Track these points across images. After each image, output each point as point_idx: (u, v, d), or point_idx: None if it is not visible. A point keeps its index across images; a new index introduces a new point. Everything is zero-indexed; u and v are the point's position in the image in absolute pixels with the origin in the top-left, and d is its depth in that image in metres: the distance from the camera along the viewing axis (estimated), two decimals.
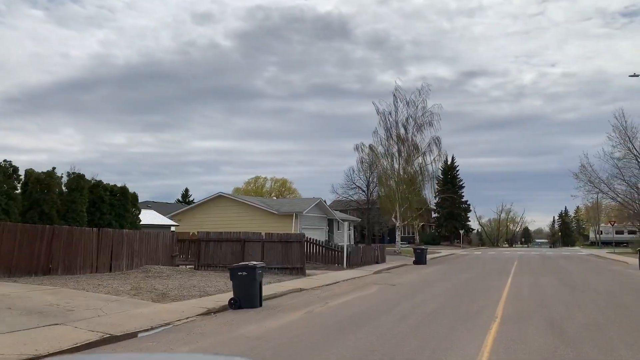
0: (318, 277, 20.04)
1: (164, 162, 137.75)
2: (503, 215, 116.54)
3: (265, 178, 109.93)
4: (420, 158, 41.73)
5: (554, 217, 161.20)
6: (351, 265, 26.05)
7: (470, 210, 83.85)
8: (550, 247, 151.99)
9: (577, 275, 23.26)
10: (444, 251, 55.31)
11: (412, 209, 42.81)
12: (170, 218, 38.39)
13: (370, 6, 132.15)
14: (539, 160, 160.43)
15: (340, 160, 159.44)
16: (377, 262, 30.21)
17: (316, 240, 27.05)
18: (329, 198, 74.25)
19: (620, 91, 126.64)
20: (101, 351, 7.85)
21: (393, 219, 42.69)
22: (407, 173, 41.54)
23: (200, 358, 3.22)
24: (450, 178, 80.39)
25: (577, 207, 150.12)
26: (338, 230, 48.32)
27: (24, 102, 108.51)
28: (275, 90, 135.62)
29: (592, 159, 53.94)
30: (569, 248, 76.06)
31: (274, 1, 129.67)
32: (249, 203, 35.88)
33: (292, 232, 34.38)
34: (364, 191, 60.11)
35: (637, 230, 62.03)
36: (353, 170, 50.33)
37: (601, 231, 71.71)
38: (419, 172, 41.75)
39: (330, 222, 46.13)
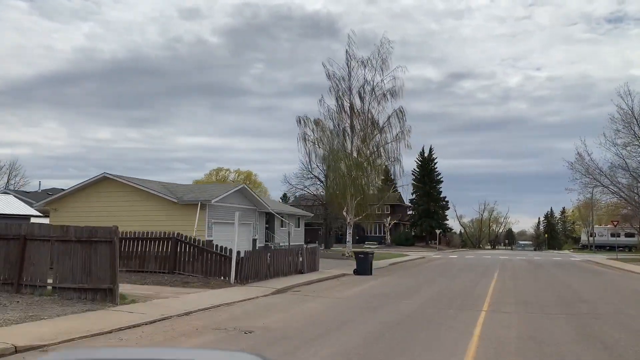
0: (133, 311, 10.90)
1: (148, 157, 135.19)
2: (486, 214, 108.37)
3: (228, 170, 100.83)
4: (378, 135, 32.74)
5: (539, 218, 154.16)
6: (246, 278, 16.94)
7: (448, 208, 75.41)
8: (535, 249, 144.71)
9: (598, 307, 13.98)
10: (413, 254, 46.50)
11: (367, 201, 33.68)
12: (41, 207, 28.93)
13: (358, 5, 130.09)
14: (523, 162, 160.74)
15: None
16: (300, 272, 21.16)
17: (190, 238, 17.88)
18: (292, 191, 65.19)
19: (604, 96, 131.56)
20: None
21: (344, 213, 33.62)
22: (363, 155, 32.48)
23: (203, 353, 2.92)
24: (427, 172, 71.68)
25: (564, 208, 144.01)
26: (282, 227, 39.23)
27: (5, 94, 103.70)
28: (262, 88, 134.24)
29: (591, 146, 45.42)
30: (558, 252, 67.75)
31: None
32: (143, 188, 26.63)
33: (196, 227, 25.15)
34: (321, 182, 50.91)
35: (636, 232, 53.82)
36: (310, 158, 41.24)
37: (594, 233, 63.51)
38: (377, 153, 32.72)
39: (271, 217, 37.04)
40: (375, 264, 26.47)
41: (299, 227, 42.52)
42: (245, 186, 30.11)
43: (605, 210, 54.65)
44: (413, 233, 76.59)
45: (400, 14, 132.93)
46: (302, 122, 32.48)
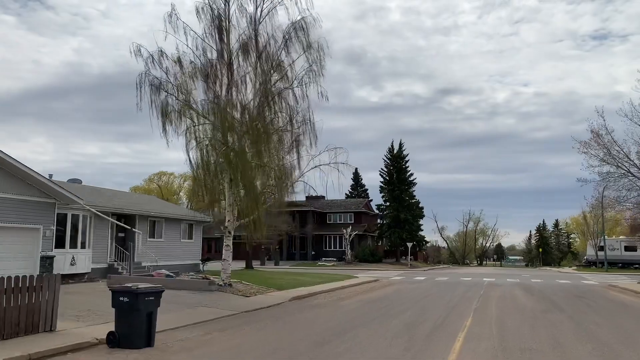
0: None
1: (139, 172, 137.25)
2: (471, 225, 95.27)
3: (172, 174, 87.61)
4: (279, 84, 19.45)
5: (530, 231, 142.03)
6: None
7: (423, 216, 62.30)
8: (527, 265, 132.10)
9: None
10: (366, 276, 33.54)
11: (261, 195, 20.04)
12: None
13: (347, 22, 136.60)
14: (512, 177, 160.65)
15: (315, 174, 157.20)
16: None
17: None
18: None
19: (590, 112, 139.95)
20: None
21: (224, 212, 20.12)
22: (253, 116, 19.07)
23: None
24: (396, 171, 58.63)
25: (557, 221, 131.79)
26: (156, 238, 25.96)
27: None
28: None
29: (612, 119, 33.01)
30: (558, 270, 54.46)
31: None
32: None
33: None
34: None
35: None
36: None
37: (604, 246, 50.60)
38: (274, 108, 19.31)
39: (130, 221, 23.86)
40: (269, 297, 16.79)
41: (190, 237, 29.11)
42: (30, 171, 16.59)
43: (620, 215, 41.71)
44: (386, 247, 63.52)
45: (388, 31, 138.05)
46: (149, 61, 19.01)
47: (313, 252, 59.63)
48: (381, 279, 31.51)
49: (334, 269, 48.19)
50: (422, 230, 74.76)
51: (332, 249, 59.24)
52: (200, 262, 29.01)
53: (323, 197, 67.27)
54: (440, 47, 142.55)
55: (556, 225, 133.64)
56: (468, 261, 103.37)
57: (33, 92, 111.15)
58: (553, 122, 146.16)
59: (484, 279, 32.45)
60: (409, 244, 54.23)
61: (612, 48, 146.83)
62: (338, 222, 60.51)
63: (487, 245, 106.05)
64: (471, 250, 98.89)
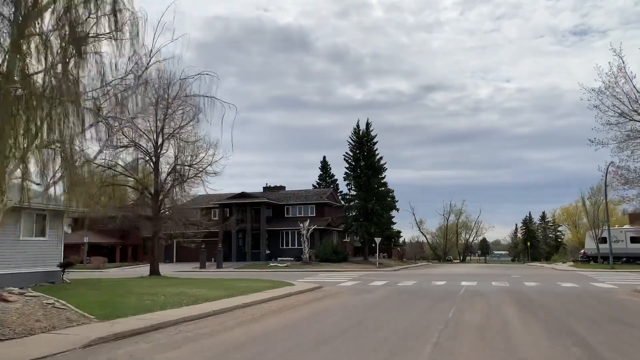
0: None
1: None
2: (452, 218, 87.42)
3: None
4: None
5: (516, 225, 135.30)
6: None
7: (396, 208, 54.16)
8: (513, 260, 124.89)
9: None
10: (309, 280, 25.64)
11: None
12: None
13: (329, 19, 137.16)
14: (496, 173, 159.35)
15: (302, 172, 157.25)
16: None
17: None
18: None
19: (572, 107, 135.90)
20: None
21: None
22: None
23: None
24: (363, 154, 50.40)
25: (544, 213, 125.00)
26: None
27: None
28: (234, 101, 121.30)
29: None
30: (552, 267, 46.56)
31: (232, 12, 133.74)
32: None
33: None
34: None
35: None
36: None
37: (601, 238, 42.84)
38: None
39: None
40: (53, 340, 9.09)
41: (42, 235, 20.38)
42: None
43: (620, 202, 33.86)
44: (358, 244, 55.32)
45: (371, 28, 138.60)
46: None
47: (268, 251, 51.17)
48: (326, 287, 23.26)
49: (287, 270, 39.96)
50: (395, 223, 66.81)
51: (291, 247, 50.84)
52: (58, 268, 20.39)
53: (283, 187, 58.77)
54: (423, 44, 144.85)
55: (543, 217, 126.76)
56: (451, 257, 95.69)
57: None
58: (535, 117, 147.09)
59: (462, 284, 24.26)
60: (378, 239, 46.01)
61: (592, 43, 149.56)
62: (298, 215, 52.14)
63: (471, 239, 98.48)
64: (454, 246, 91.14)
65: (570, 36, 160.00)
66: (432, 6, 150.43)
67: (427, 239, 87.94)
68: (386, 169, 52.35)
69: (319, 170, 73.13)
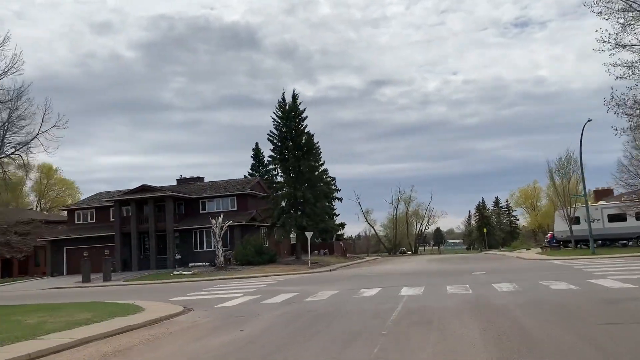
0: None
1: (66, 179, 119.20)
2: (402, 207, 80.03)
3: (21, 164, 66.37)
4: None
5: (469, 211, 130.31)
6: None
7: (334, 197, 45.85)
8: (468, 249, 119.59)
9: None
10: (192, 297, 16.72)
11: None
12: None
13: (277, 16, 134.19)
14: (446, 164, 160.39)
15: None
16: None
17: None
18: None
19: (516, 97, 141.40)
20: None
21: None
22: None
23: None
24: (289, 133, 41.75)
25: (497, 198, 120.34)
26: None
27: None
28: (184, 102, 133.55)
29: None
30: (518, 256, 39.17)
31: (177, 11, 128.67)
32: None
33: None
34: None
35: None
36: None
37: (573, 217, 35.80)
38: None
39: None
40: None
41: None
42: None
43: None
44: (295, 241, 46.59)
45: (319, 24, 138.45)
46: None
47: (179, 256, 41.82)
48: (197, 310, 15.28)
49: (189, 280, 31.11)
50: (338, 215, 58.70)
51: (207, 249, 41.71)
52: None
53: (201, 178, 49.43)
54: (371, 39, 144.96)
55: (497, 203, 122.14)
56: (404, 249, 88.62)
57: None
58: (482, 108, 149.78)
59: (402, 292, 15.98)
60: (309, 234, 37.50)
61: (532, 35, 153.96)
62: (216, 210, 42.97)
63: (424, 229, 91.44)
64: (404, 236, 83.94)
65: (512, 28, 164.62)
66: (378, 1, 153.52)
67: (374, 230, 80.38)
68: (321, 151, 44.03)
69: (251, 159, 64.12)
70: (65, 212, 49.58)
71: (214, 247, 39.06)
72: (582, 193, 32.15)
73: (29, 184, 63.63)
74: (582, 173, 30.35)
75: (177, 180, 49.40)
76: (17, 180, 62.68)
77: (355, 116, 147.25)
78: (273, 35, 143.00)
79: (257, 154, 63.46)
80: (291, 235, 47.40)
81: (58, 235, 44.09)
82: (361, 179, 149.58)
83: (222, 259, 36.52)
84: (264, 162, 63.40)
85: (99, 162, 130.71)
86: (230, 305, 16.06)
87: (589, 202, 35.35)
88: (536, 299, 12.74)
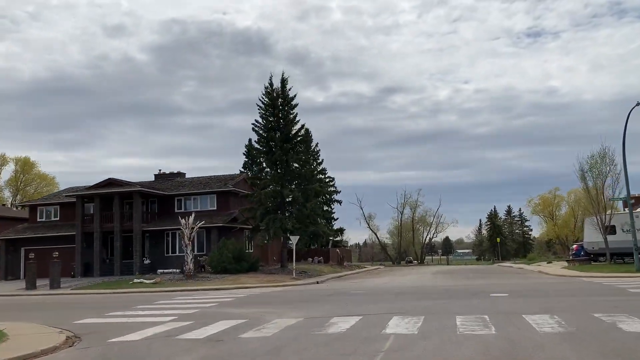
0: None
1: (78, 181, 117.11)
2: (408, 212, 74.27)
3: None
4: None
5: (480, 220, 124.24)
6: None
7: (329, 197, 40.45)
8: (479, 259, 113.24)
9: None
10: (90, 322, 10.94)
11: None
12: None
13: (289, 22, 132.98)
14: (456, 173, 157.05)
15: None
16: None
17: None
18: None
19: (527, 107, 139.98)
20: None
21: None
22: None
23: None
24: (275, 121, 36.47)
25: (509, 207, 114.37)
26: None
27: None
28: (195, 106, 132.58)
29: None
30: (540, 270, 33.45)
31: (190, 15, 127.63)
32: None
33: None
34: None
35: None
36: None
37: (609, 226, 30.02)
38: None
39: None
40: None
41: None
42: None
43: None
44: (282, 247, 41.20)
45: (331, 30, 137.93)
46: None
47: (148, 261, 36.60)
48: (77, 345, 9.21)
49: (149, 291, 25.90)
50: (335, 219, 53.35)
51: (180, 253, 36.34)
52: None
53: (182, 174, 44.17)
54: (382, 47, 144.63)
55: (509, 212, 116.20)
56: (410, 258, 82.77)
57: None
58: (493, 117, 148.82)
59: (390, 326, 10.58)
60: (294, 238, 32.09)
61: (545, 45, 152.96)
62: (194, 209, 37.72)
63: (431, 237, 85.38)
64: (410, 245, 78.07)
65: (524, 38, 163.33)
66: (390, 9, 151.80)
67: (377, 236, 74.66)
68: (312, 139, 38.67)
69: (243, 156, 58.79)
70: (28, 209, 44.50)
71: (194, 251, 33.86)
72: (622, 196, 26.51)
73: (4, 177, 59.04)
74: (625, 170, 24.59)
75: (155, 175, 44.23)
76: None
77: (364, 123, 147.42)
78: (284, 41, 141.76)
79: (250, 150, 58.10)
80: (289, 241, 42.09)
81: (15, 234, 38.98)
82: (367, 185, 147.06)
83: (191, 265, 31.16)
84: (258, 160, 58.19)
85: (110, 164, 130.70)
86: (131, 339, 10.75)
87: (624, 210, 29.63)
88: (609, 352, 7.24)
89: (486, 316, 11.56)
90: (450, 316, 11.78)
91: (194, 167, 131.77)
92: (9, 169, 60.38)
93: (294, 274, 31.80)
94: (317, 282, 29.46)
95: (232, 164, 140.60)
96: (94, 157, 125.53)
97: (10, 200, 59.37)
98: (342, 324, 11.30)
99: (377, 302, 15.83)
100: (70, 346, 10.52)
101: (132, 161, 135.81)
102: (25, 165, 58.98)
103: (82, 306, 18.98)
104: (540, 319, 10.70)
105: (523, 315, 11.35)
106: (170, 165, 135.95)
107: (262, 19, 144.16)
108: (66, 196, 38.73)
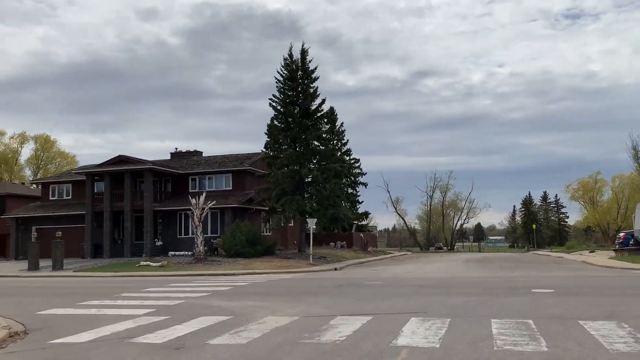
0: None
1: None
2: (437, 195, 71.02)
3: (15, 134, 61.00)
4: None
5: (514, 206, 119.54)
6: None
7: (352, 178, 37.86)
8: (511, 246, 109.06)
9: None
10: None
11: None
12: None
13: (320, 4, 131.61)
14: (488, 159, 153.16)
15: None
16: None
17: None
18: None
19: (564, 91, 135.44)
20: None
21: None
22: None
23: None
24: (295, 95, 34.03)
25: (545, 193, 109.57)
26: None
27: None
28: (225, 89, 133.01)
29: None
30: (584, 260, 30.21)
31: None
32: None
33: None
34: None
35: None
36: None
37: None
38: None
39: None
40: None
41: None
42: None
43: None
44: (322, 229, 39.05)
45: (362, 13, 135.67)
46: None
47: (160, 242, 34.86)
48: None
49: (152, 275, 24.04)
50: (360, 202, 50.78)
51: (192, 235, 34.51)
52: None
53: (199, 153, 42.29)
54: (414, 29, 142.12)
55: (545, 198, 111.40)
56: (440, 244, 79.60)
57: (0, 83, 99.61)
58: (528, 101, 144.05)
59: (404, 331, 8.08)
60: (312, 221, 29.70)
61: (584, 27, 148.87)
62: (209, 190, 35.75)
63: (462, 222, 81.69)
64: (440, 230, 74.87)
65: (563, 20, 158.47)
66: None
67: (404, 220, 71.71)
68: (336, 117, 36.10)
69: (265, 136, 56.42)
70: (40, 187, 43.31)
71: (207, 233, 32.06)
72: None
73: (24, 155, 58.35)
74: None
75: (171, 154, 42.39)
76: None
77: (395, 107, 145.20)
78: (315, 23, 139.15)
79: (270, 128, 55.77)
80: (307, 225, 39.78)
81: (25, 213, 37.74)
82: (395, 171, 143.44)
83: (201, 248, 29.18)
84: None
85: (142, 146, 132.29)
86: (77, 341, 8.63)
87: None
88: None
89: (531, 321, 8.91)
90: (483, 320, 9.17)
91: (223, 150, 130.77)
92: (29, 147, 59.75)
93: (311, 259, 29.48)
94: (335, 269, 27.08)
95: (260, 147, 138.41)
96: (127, 139, 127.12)
97: (31, 179, 58.77)
98: (344, 327, 8.82)
99: (393, 297, 13.29)
100: (2, 348, 8.46)
101: (164, 144, 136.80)
102: (46, 143, 58.13)
103: (65, 292, 17.05)
104: (605, 329, 8.01)
105: (580, 322, 8.67)
106: (200, 148, 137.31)
107: (293, 1, 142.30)
108: (76, 173, 37.26)
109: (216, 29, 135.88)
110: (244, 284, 18.14)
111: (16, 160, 58.22)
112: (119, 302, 13.60)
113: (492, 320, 9.09)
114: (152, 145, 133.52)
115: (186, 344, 7.94)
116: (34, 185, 49.65)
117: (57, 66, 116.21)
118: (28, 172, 59.67)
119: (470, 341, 7.43)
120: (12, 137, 56.89)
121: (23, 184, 51.49)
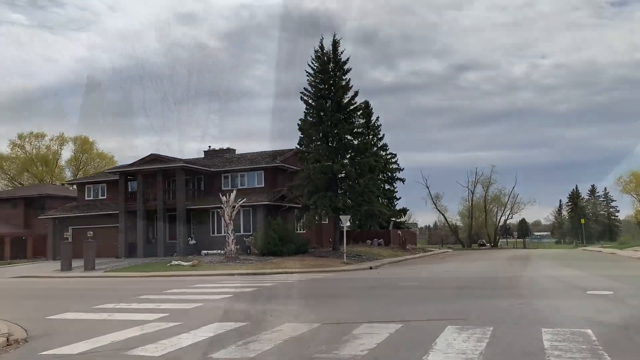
0: None
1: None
2: (479, 190, 68.54)
3: (54, 137, 62.11)
4: None
5: (560, 201, 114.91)
6: None
7: (398, 179, 36.44)
8: (558, 242, 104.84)
9: None
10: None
11: None
12: None
13: (355, 1, 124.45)
14: (532, 153, 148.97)
15: None
16: None
17: None
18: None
19: (611, 81, 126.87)
20: None
21: None
22: None
23: None
24: (326, 89, 32.89)
25: (593, 186, 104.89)
26: None
27: (9, 108, 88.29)
28: (264, 89, 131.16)
29: None
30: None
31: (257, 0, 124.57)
32: None
33: None
34: None
35: None
36: None
37: None
38: None
39: None
40: None
41: None
42: None
43: None
44: (353, 228, 37.88)
45: (399, 8, 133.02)
46: None
47: (193, 241, 34.39)
48: None
49: (182, 275, 23.49)
50: (397, 199, 49.28)
51: (216, 233, 34.02)
52: None
53: (232, 150, 41.75)
54: (453, 22, 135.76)
55: (592, 192, 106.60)
56: (483, 241, 76.93)
57: (47, 89, 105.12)
58: (574, 93, 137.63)
59: (437, 344, 6.79)
60: (345, 218, 28.52)
61: (632, 14, 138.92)
62: (241, 187, 35.11)
63: (506, 218, 78.44)
64: (482, 227, 72.29)
65: (609, 7, 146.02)
66: None
67: (444, 217, 69.54)
68: (372, 111, 34.77)
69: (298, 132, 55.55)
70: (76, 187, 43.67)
71: (239, 232, 31.43)
72: None
73: (64, 157, 59.43)
74: None
75: (205, 152, 42.00)
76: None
77: (435, 102, 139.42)
78: (352, 20, 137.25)
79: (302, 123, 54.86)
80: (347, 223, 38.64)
81: (61, 213, 38.04)
82: (435, 167, 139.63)
83: (232, 247, 28.48)
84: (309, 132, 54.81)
85: (187, 148, 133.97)
86: (70, 352, 7.79)
87: None
88: None
89: (589, 331, 7.52)
90: (532, 328, 7.83)
91: (260, 149, 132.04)
92: (68, 149, 60.85)
93: (345, 257, 28.31)
94: (371, 268, 25.85)
95: (294, 145, 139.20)
96: (168, 141, 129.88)
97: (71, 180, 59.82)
98: (368, 337, 7.65)
99: (429, 300, 12.01)
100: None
101: (203, 145, 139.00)
102: (84, 145, 59.04)
103: (86, 293, 16.52)
104: None
105: None
106: (243, 150, 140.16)
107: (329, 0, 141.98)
108: (109, 173, 37.26)
109: (254, 30, 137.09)
110: (270, 284, 17.17)
111: (56, 162, 59.37)
112: (134, 306, 12.83)
113: (543, 329, 7.74)
114: (191, 146, 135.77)
115: (184, 358, 6.95)
116: (72, 186, 50.38)
117: (100, 71, 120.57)
118: (68, 174, 60.78)
119: (518, 356, 6.14)
120: (52, 139, 58.08)
121: (63, 184, 52.32)
